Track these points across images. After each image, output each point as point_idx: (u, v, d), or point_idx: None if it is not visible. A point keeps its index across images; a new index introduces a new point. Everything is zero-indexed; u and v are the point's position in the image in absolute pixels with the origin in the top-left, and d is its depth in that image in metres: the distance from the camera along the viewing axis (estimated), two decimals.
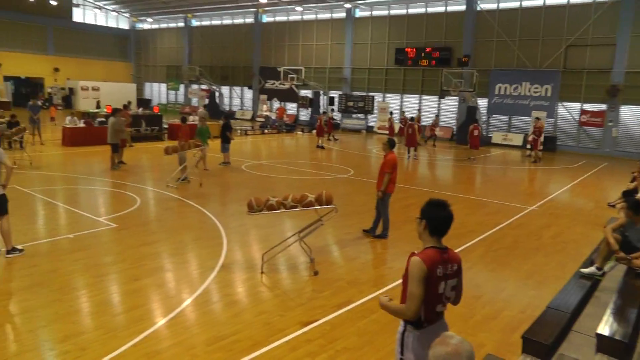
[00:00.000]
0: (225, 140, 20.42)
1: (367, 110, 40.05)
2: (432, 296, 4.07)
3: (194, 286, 8.31)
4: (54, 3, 50.77)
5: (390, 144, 11.39)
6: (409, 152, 25.51)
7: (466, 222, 13.05)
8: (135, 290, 8.02)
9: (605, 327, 6.02)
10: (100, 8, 55.65)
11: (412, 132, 25.24)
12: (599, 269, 8.23)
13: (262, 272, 9.02)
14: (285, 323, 7.09)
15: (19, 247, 9.54)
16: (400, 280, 8.79)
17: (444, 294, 4.15)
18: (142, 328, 6.76)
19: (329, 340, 6.69)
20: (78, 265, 8.97)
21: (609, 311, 6.52)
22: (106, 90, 46.49)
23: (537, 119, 27.49)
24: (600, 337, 5.87)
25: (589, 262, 8.75)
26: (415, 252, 4.14)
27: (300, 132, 36.83)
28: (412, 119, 27.11)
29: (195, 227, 11.69)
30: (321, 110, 39.00)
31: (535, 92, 32.70)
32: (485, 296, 8.48)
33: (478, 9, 34.74)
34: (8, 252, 9.30)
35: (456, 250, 11.19)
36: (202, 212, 12.96)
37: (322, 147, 27.92)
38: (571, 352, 5.92)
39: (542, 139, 26.79)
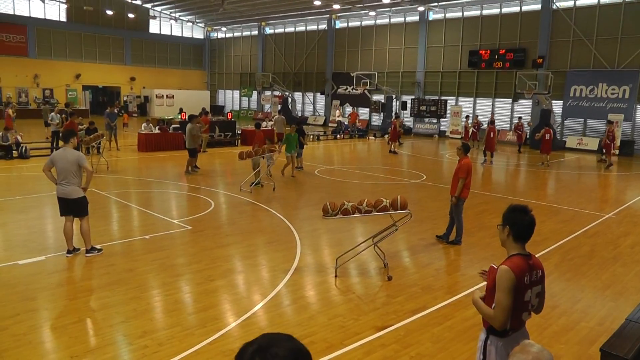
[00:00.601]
0: (299, 145, 20.57)
1: (439, 114, 39.55)
2: (519, 304, 4.01)
3: (267, 288, 8.41)
4: (132, 16, 52.77)
5: (464, 149, 11.22)
6: (485, 156, 25.00)
7: (540, 230, 12.57)
8: (210, 291, 8.18)
9: None
10: (175, 19, 57.24)
11: (493, 136, 24.83)
12: None
13: (335, 276, 9.02)
14: (359, 327, 7.06)
15: (98, 247, 9.91)
16: (473, 288, 8.65)
17: (529, 301, 4.09)
18: (217, 327, 6.89)
19: (404, 345, 6.63)
20: (154, 265, 9.24)
21: None
22: (180, 98, 47.88)
23: (610, 122, 26.22)
24: None
25: None
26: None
27: (373, 137, 36.72)
28: (491, 122, 26.41)
29: (269, 231, 11.82)
30: (393, 114, 38.83)
31: (612, 94, 31.22)
32: (562, 306, 8.17)
33: (554, 7, 33.66)
34: (87, 251, 9.69)
35: None
36: (275, 216, 13.10)
37: (395, 153, 27.71)
38: None
39: (615, 143, 25.56)
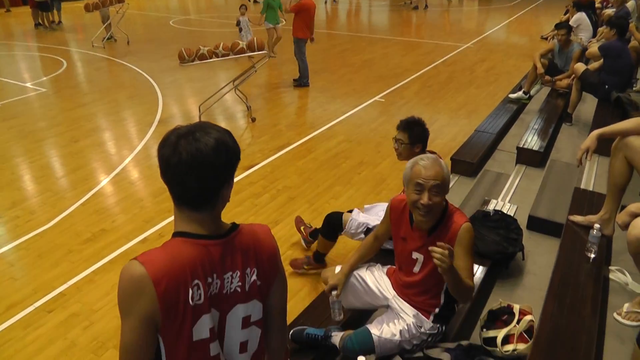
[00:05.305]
0: None
1: None
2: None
3: (134, 142, 8.37)
4: None
5: None
6: None
7: (402, 63, 13.30)
8: (76, 152, 8.01)
9: (525, 141, 6.56)
10: None
11: None
12: (525, 93, 8.77)
13: None
14: None
15: None
16: (335, 121, 8.99)
17: None
18: (88, 187, 6.85)
19: (270, 180, 6.97)
20: (13, 133, 8.78)
21: (529, 128, 7.04)
22: None
23: None
24: (519, 150, 6.42)
25: (517, 88, 9.25)
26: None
27: None
28: None
29: (128, 85, 11.50)
30: None
31: None
32: None
33: None
34: None
35: (392, 89, 11.49)
36: (133, 70, 12.68)
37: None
38: (495, 168, 6.43)
39: None
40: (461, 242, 2.79)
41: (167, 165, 1.66)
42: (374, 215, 4.47)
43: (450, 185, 4.00)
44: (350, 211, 4.53)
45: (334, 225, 4.56)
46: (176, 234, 1.72)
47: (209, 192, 1.68)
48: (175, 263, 1.63)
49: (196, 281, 1.65)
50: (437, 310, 3.07)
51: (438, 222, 2.89)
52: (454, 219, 2.85)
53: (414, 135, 3.92)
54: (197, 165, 1.62)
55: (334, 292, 3.21)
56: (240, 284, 1.79)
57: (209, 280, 1.70)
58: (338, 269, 3.41)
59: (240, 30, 13.77)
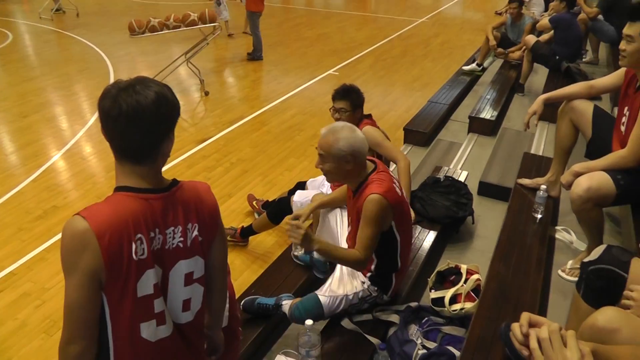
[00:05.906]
0: None
1: None
2: None
3: (85, 117, 8.18)
4: None
5: None
6: None
7: (355, 37, 13.32)
8: (25, 127, 7.77)
9: (477, 110, 6.67)
10: None
11: None
12: (479, 65, 8.91)
13: None
14: (180, 143, 7.13)
15: None
16: (290, 93, 8.98)
17: None
18: (38, 163, 6.66)
19: (224, 154, 6.91)
20: None
21: (482, 98, 7.15)
22: None
23: None
24: (471, 119, 6.52)
25: (471, 60, 9.38)
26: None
27: None
28: None
29: (79, 59, 11.20)
30: None
31: None
32: (373, 101, 8.83)
33: None
34: None
35: (346, 62, 11.51)
36: (83, 43, 12.35)
37: None
38: (448, 137, 6.52)
39: None
40: (364, 213, 2.84)
41: (107, 118, 1.65)
42: (315, 188, 4.45)
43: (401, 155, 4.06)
44: (294, 193, 4.45)
45: (282, 208, 4.42)
46: (118, 189, 1.73)
47: (149, 145, 1.69)
48: (119, 217, 1.63)
49: (139, 235, 1.66)
50: (368, 274, 3.15)
51: (359, 187, 2.98)
52: (365, 190, 2.89)
53: (353, 101, 3.96)
54: (137, 118, 1.62)
55: (294, 222, 3.13)
56: (182, 239, 1.79)
57: (152, 234, 1.70)
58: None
59: (219, 4, 13.32)
